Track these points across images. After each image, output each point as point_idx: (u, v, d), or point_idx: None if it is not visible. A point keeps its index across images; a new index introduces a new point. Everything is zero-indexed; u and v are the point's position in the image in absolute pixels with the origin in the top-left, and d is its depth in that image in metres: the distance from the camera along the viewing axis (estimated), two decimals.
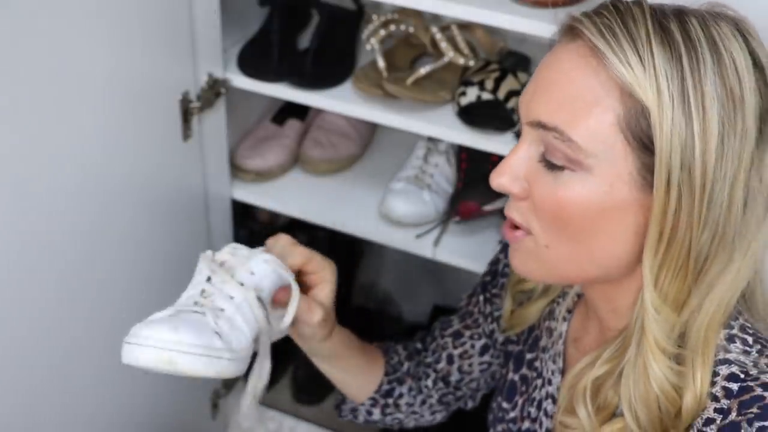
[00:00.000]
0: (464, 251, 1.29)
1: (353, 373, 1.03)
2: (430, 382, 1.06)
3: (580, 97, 0.66)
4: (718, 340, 0.71)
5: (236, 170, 1.38)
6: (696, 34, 0.65)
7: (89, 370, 1.11)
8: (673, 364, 0.71)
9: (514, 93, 1.22)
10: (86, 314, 1.06)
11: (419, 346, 1.10)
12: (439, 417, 1.11)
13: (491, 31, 1.34)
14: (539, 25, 1.02)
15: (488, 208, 1.30)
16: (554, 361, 0.89)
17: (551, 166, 0.69)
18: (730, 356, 0.71)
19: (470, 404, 1.11)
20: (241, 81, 1.25)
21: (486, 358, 1.04)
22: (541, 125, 0.69)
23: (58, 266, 0.98)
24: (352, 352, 1.00)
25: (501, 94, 1.20)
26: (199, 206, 1.29)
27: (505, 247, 1.02)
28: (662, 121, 0.64)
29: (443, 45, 1.25)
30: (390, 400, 1.05)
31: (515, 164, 0.72)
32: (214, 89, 1.21)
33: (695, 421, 0.70)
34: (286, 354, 1.73)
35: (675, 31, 0.65)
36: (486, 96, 1.19)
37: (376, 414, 1.06)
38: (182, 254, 1.28)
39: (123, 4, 0.96)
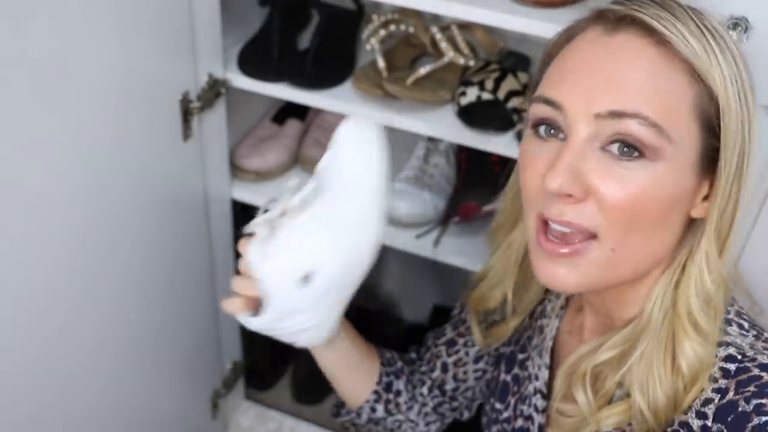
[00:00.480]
0: (464, 251, 1.29)
1: (355, 360, 1.01)
2: (425, 390, 1.06)
3: (654, 83, 0.66)
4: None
5: (236, 170, 1.38)
6: (715, 28, 0.68)
7: (89, 370, 1.11)
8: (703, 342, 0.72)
9: (514, 93, 1.22)
10: (86, 314, 1.06)
11: (414, 355, 1.10)
12: (433, 428, 1.09)
13: (491, 31, 1.34)
14: (539, 25, 1.02)
15: (488, 208, 1.30)
16: (540, 356, 0.89)
17: (625, 157, 0.66)
18: (728, 338, 0.72)
19: (466, 414, 1.10)
20: (241, 81, 1.25)
21: (480, 365, 1.03)
22: (619, 114, 0.66)
23: (57, 266, 0.98)
24: (353, 338, 0.99)
25: (501, 94, 1.20)
26: (199, 206, 1.29)
27: None
28: (729, 104, 0.67)
29: (443, 45, 1.25)
30: (390, 396, 1.05)
31: (573, 163, 0.67)
32: (214, 89, 1.21)
33: (693, 403, 0.71)
34: (286, 354, 1.74)
35: (708, 25, 0.68)
36: (486, 96, 1.19)
37: (380, 410, 1.05)
38: (182, 254, 1.28)
39: (123, 4, 0.96)
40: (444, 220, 1.32)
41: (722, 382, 0.69)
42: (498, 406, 0.96)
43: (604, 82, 0.67)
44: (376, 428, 1.08)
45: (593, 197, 0.67)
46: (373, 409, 1.05)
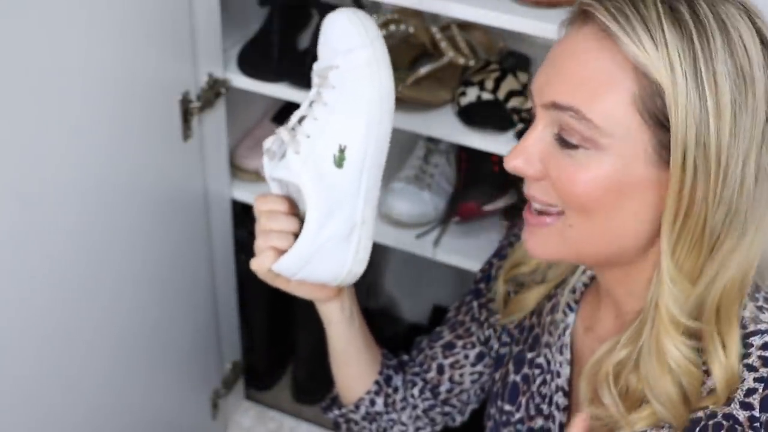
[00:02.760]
0: (464, 251, 1.29)
1: (365, 344, 1.02)
2: (416, 391, 1.05)
3: (595, 78, 0.68)
4: (748, 312, 0.73)
5: (236, 170, 1.38)
6: (705, 14, 0.67)
7: (89, 370, 1.11)
8: (688, 340, 0.72)
9: (514, 93, 1.22)
10: (85, 313, 1.06)
11: (405, 358, 1.09)
12: None
13: (491, 31, 1.34)
14: (539, 25, 1.02)
15: (488, 208, 1.30)
16: (561, 352, 0.89)
17: (566, 146, 0.70)
18: (762, 326, 0.72)
19: (459, 419, 1.09)
20: (241, 81, 1.25)
21: (479, 367, 1.03)
22: (556, 106, 0.70)
23: (57, 266, 0.98)
24: (363, 323, 1.01)
25: (501, 94, 1.20)
26: (199, 206, 1.29)
27: (499, 251, 1.02)
28: (677, 99, 0.65)
29: (443, 45, 1.25)
30: (390, 390, 1.04)
31: (530, 146, 0.73)
32: (214, 89, 1.21)
33: (735, 394, 0.70)
34: (286, 354, 1.74)
35: (684, 12, 0.66)
36: (486, 96, 1.19)
37: (379, 404, 1.04)
38: (182, 254, 1.28)
39: (123, 4, 0.96)
40: (444, 220, 1.32)
41: (763, 371, 0.69)
42: (508, 407, 0.95)
43: (554, 75, 0.71)
44: (368, 427, 1.07)
45: (548, 178, 0.73)
46: (373, 402, 1.04)
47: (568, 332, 0.89)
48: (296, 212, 0.89)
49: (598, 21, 0.68)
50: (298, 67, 1.23)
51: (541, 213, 0.76)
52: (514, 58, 1.34)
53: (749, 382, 0.70)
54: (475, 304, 1.02)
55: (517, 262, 0.94)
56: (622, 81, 0.67)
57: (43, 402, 1.03)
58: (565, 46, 0.72)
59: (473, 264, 1.28)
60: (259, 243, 0.88)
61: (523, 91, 1.25)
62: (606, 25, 0.67)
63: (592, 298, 0.89)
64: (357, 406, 1.05)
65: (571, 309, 0.89)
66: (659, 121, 0.67)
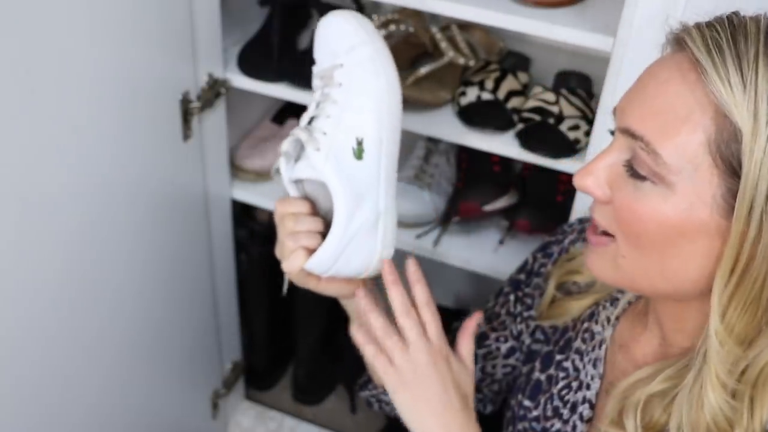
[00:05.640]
0: (464, 251, 1.29)
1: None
2: None
3: (673, 111, 0.65)
4: None
5: (236, 170, 1.38)
6: None
7: (89, 370, 1.11)
8: (731, 398, 0.69)
9: (514, 93, 1.22)
10: (86, 314, 1.06)
11: None
12: None
13: (491, 31, 1.34)
14: (539, 25, 1.02)
15: (488, 208, 1.30)
16: (594, 366, 0.88)
17: (635, 175, 0.67)
18: None
19: (489, 408, 1.09)
20: (241, 81, 1.25)
21: (511, 360, 1.02)
22: (629, 133, 0.67)
23: (57, 266, 0.98)
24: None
25: (501, 94, 1.20)
26: (199, 206, 1.29)
27: (544, 247, 1.01)
28: (754, 147, 0.61)
29: (443, 45, 1.25)
30: None
31: (601, 168, 0.71)
32: (214, 89, 1.21)
33: None
34: (286, 354, 1.74)
35: None
36: (486, 96, 1.19)
37: None
38: (182, 254, 1.28)
39: (123, 4, 0.96)
40: (444, 220, 1.32)
41: None
42: (527, 403, 0.94)
43: (635, 99, 0.68)
44: (394, 410, 1.06)
45: (611, 203, 0.71)
46: None
47: (604, 346, 0.87)
48: (317, 213, 0.90)
49: (689, 50, 0.65)
50: (298, 67, 1.23)
51: (599, 232, 0.74)
52: (514, 58, 1.34)
53: None
54: (512, 297, 1.01)
55: (574, 270, 0.92)
56: (699, 119, 0.63)
57: (44, 401, 1.03)
58: (651, 72, 0.68)
59: (473, 264, 1.28)
60: (289, 244, 0.88)
61: (524, 91, 1.25)
62: (696, 56, 0.64)
63: (635, 317, 0.87)
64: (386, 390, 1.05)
65: (610, 323, 0.88)
66: (732, 168, 0.63)
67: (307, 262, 0.87)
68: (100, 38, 0.94)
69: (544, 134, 1.14)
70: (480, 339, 1.03)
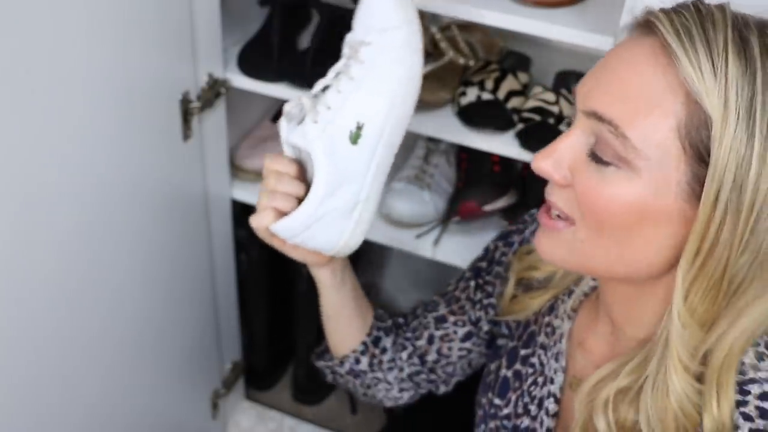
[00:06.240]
0: (464, 251, 1.29)
1: (354, 308, 1.02)
2: (405, 355, 1.05)
3: (643, 94, 0.64)
4: (747, 359, 0.70)
5: (236, 170, 1.38)
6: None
7: (89, 370, 1.11)
8: (695, 382, 0.70)
9: (514, 93, 1.22)
10: (85, 314, 1.06)
11: (401, 320, 1.09)
12: (406, 396, 1.09)
13: (491, 31, 1.34)
14: (539, 25, 1.02)
15: (488, 208, 1.30)
16: (557, 360, 0.88)
17: (598, 160, 0.67)
18: (761, 374, 0.69)
19: (443, 389, 1.10)
20: (241, 81, 1.25)
21: (467, 344, 1.03)
22: (596, 116, 0.66)
23: (56, 266, 0.98)
24: (356, 287, 1.02)
25: (501, 94, 1.20)
26: (199, 206, 1.29)
27: (505, 236, 1.01)
28: (723, 135, 0.61)
29: (443, 45, 1.25)
30: (377, 351, 1.05)
31: (562, 151, 0.70)
32: (214, 89, 1.21)
33: None
34: (286, 354, 1.74)
35: (754, 46, 0.62)
36: (486, 96, 1.19)
37: (364, 363, 1.04)
38: (182, 254, 1.28)
39: (123, 4, 0.96)
40: (444, 220, 1.32)
41: (760, 423, 0.67)
42: (497, 401, 0.95)
43: (602, 82, 0.67)
44: (353, 381, 1.07)
45: (573, 187, 0.70)
46: (357, 361, 1.05)
47: (564, 340, 0.88)
48: (304, 178, 0.90)
49: (660, 35, 0.64)
50: (298, 67, 1.23)
51: (557, 217, 0.73)
52: (514, 58, 1.34)
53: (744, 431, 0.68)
54: (472, 283, 1.02)
55: (532, 266, 0.92)
56: (671, 104, 0.63)
57: (43, 402, 1.03)
58: (619, 54, 0.68)
59: None
60: (263, 201, 0.89)
61: (524, 91, 1.25)
62: (667, 41, 0.63)
63: (589, 310, 0.88)
64: (342, 362, 1.06)
65: (568, 317, 0.88)
66: (699, 154, 0.63)
67: (274, 224, 0.87)
68: (100, 38, 0.94)
69: (544, 134, 1.14)
70: (438, 321, 1.04)
